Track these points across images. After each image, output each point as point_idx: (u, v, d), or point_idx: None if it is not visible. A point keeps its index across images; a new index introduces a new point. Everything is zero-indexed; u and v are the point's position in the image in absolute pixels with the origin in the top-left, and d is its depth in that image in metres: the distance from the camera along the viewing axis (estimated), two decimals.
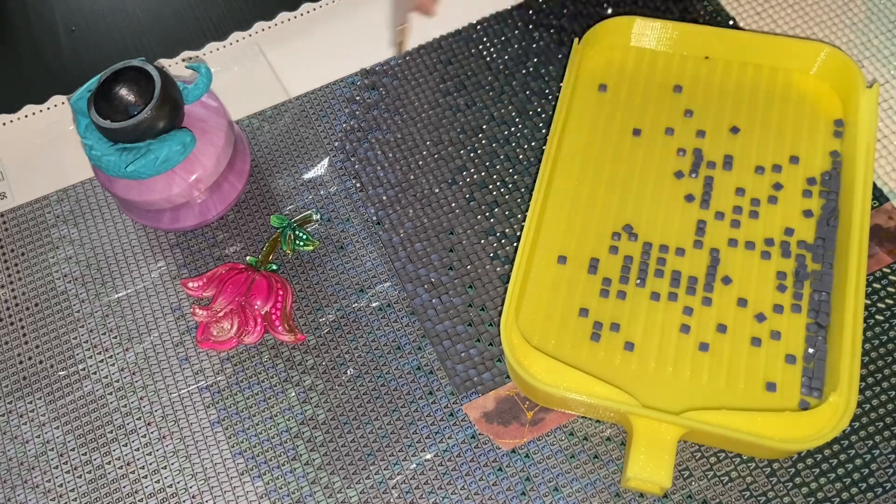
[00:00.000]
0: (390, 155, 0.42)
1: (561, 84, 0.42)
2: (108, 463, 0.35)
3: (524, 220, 0.37)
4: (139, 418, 0.36)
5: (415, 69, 0.44)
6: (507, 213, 0.40)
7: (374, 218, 0.40)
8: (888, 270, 0.37)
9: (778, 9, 0.44)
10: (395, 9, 0.34)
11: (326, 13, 0.46)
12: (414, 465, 0.35)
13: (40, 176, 0.42)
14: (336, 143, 0.42)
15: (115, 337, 0.38)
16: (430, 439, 0.35)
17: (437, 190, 0.40)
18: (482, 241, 0.39)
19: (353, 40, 0.45)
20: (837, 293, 0.35)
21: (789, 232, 0.37)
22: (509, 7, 0.45)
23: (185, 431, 0.36)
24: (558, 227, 0.38)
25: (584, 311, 0.36)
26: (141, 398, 0.37)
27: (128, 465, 0.35)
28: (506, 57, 0.44)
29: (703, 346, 0.35)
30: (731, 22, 0.44)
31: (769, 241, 0.37)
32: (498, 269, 0.38)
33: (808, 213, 0.37)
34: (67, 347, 0.38)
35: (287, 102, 0.43)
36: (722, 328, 0.35)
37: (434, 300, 0.38)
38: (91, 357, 0.38)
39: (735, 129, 0.40)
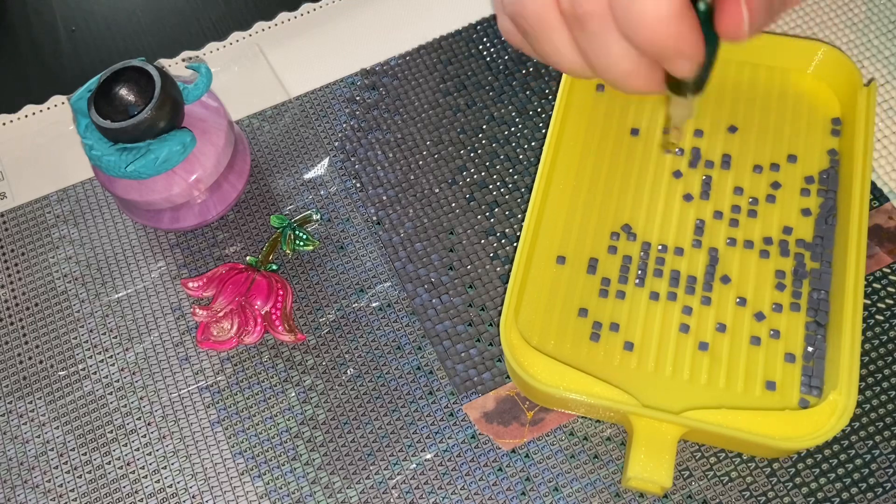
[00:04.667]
0: (390, 155, 0.42)
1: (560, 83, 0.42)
2: (108, 463, 0.35)
3: (524, 220, 0.37)
4: (139, 418, 0.36)
5: (415, 69, 0.44)
6: (507, 213, 0.40)
7: (374, 218, 0.40)
8: (888, 270, 0.37)
9: None
10: (674, 114, 0.33)
11: (326, 13, 0.46)
12: (414, 465, 0.35)
13: (40, 176, 0.42)
14: (336, 143, 0.42)
15: (115, 337, 0.38)
16: (430, 439, 0.35)
17: (437, 190, 0.40)
18: (482, 241, 0.39)
19: (353, 40, 0.45)
20: (836, 291, 0.35)
21: (788, 231, 0.37)
22: None
23: (185, 431, 0.36)
24: (557, 227, 0.38)
25: (583, 311, 0.36)
26: (141, 398, 0.37)
27: (128, 465, 0.35)
28: (506, 57, 0.44)
29: (703, 346, 0.35)
30: None
31: (768, 240, 0.37)
32: (498, 269, 0.38)
33: (806, 212, 0.37)
34: (67, 347, 0.38)
35: (287, 102, 0.43)
36: (721, 327, 0.35)
37: (434, 300, 0.38)
38: (91, 357, 0.38)
39: (733, 129, 0.40)
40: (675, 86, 0.30)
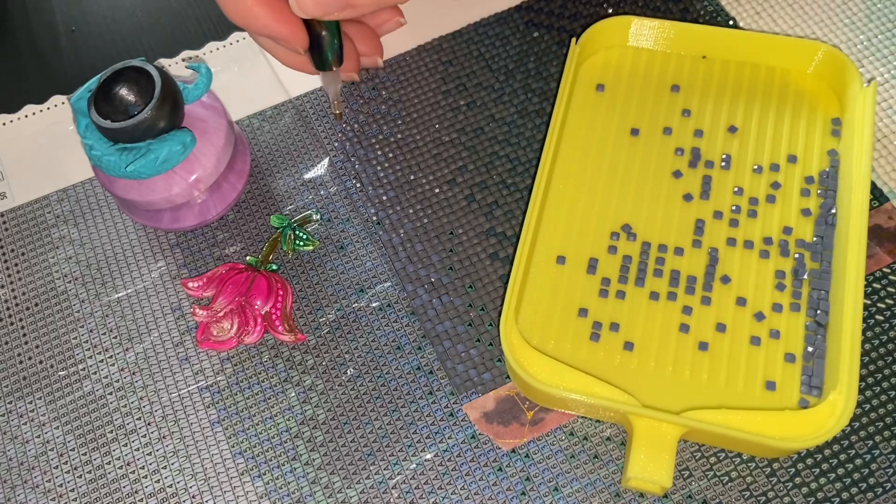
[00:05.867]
0: (390, 155, 0.42)
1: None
2: (108, 463, 0.35)
3: (524, 221, 0.37)
4: (139, 418, 0.36)
5: (415, 70, 0.44)
6: (507, 213, 0.40)
7: (375, 218, 0.40)
8: (888, 270, 0.37)
9: (778, 8, 0.44)
10: (325, 88, 0.40)
11: None
12: (414, 465, 0.35)
13: (40, 176, 0.42)
14: (336, 143, 0.42)
15: (115, 337, 0.38)
16: (430, 439, 0.35)
17: (437, 190, 0.41)
18: (482, 242, 0.39)
19: None
20: (836, 291, 0.35)
21: (788, 231, 0.37)
22: (509, 7, 0.45)
23: (185, 431, 0.36)
24: (557, 227, 0.38)
25: (583, 311, 0.36)
26: (141, 398, 0.37)
27: (128, 465, 0.35)
28: (506, 57, 0.44)
29: (703, 346, 0.35)
30: (730, 22, 0.44)
31: (768, 240, 0.37)
32: (498, 269, 0.38)
33: (806, 212, 0.37)
34: (67, 347, 0.38)
35: (287, 102, 0.43)
36: (721, 327, 0.35)
37: (434, 300, 0.38)
38: (91, 357, 0.38)
39: (733, 129, 0.40)
40: (318, 64, 0.37)
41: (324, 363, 0.37)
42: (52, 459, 0.36)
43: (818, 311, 0.35)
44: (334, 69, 0.37)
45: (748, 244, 0.37)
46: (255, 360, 0.37)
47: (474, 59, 0.44)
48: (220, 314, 0.37)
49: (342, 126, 0.42)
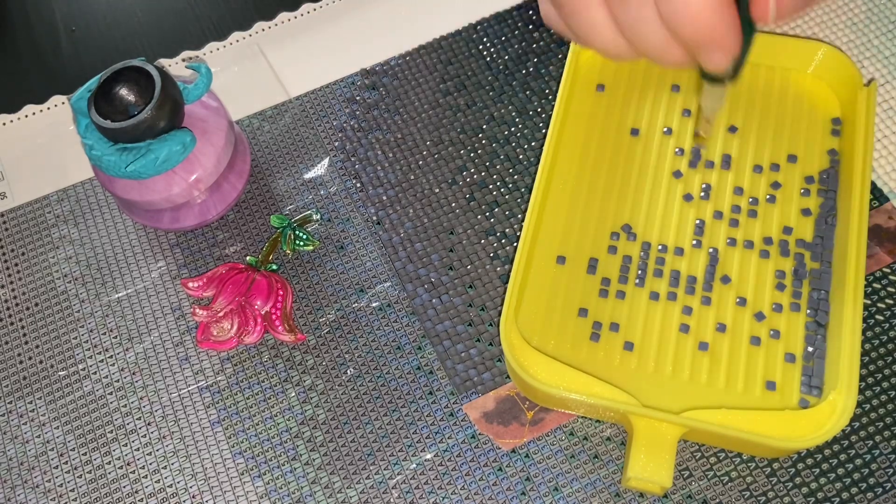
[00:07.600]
0: (390, 155, 0.42)
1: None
2: (108, 463, 0.35)
3: (524, 220, 0.37)
4: (139, 418, 0.36)
5: (415, 69, 0.44)
6: (507, 212, 0.40)
7: (374, 218, 0.40)
8: (888, 270, 0.37)
9: None
10: (704, 103, 0.34)
11: (326, 13, 0.46)
12: (414, 465, 0.35)
13: (40, 176, 0.42)
14: (336, 143, 0.42)
15: (115, 337, 0.38)
16: (430, 439, 0.35)
17: (437, 190, 0.41)
18: (482, 241, 0.39)
19: (353, 40, 0.45)
20: (836, 291, 0.35)
21: (788, 231, 0.37)
22: (509, 7, 0.45)
23: (185, 431, 0.36)
24: (557, 227, 0.38)
25: (583, 312, 0.36)
26: (141, 398, 0.37)
27: (128, 465, 0.35)
28: (506, 57, 0.44)
29: (703, 346, 0.35)
30: None
31: (768, 240, 0.37)
32: (498, 269, 0.38)
33: (806, 212, 0.37)
34: (67, 347, 0.38)
35: (287, 102, 0.43)
36: (721, 327, 0.35)
37: (434, 300, 0.38)
38: (91, 357, 0.38)
39: (733, 129, 0.40)
40: (710, 73, 0.30)
41: (324, 363, 0.37)
42: (52, 459, 0.36)
43: (818, 311, 0.35)
44: (728, 83, 0.30)
45: (748, 244, 0.37)
46: (255, 360, 0.37)
47: (474, 59, 0.44)
48: (220, 314, 0.37)
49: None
